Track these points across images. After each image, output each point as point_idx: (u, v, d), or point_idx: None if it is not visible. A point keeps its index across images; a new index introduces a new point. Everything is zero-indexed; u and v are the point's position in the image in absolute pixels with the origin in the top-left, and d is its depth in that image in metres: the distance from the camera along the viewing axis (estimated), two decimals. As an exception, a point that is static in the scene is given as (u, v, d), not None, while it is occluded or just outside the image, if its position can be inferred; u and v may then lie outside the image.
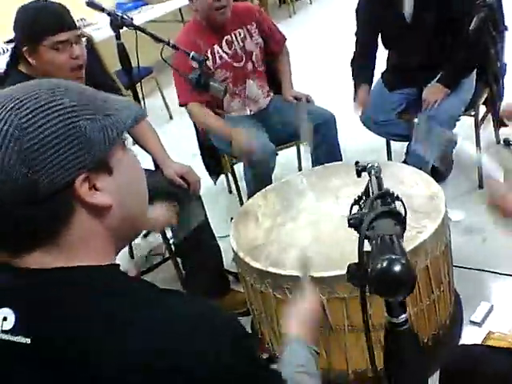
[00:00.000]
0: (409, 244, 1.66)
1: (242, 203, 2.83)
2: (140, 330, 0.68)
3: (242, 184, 2.77)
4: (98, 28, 4.47)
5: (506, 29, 2.75)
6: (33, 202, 0.70)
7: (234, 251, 1.91)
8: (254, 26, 2.66)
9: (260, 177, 2.58)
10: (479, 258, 2.26)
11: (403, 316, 0.66)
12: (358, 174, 1.08)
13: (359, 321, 1.73)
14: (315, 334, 1.25)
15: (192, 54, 2.06)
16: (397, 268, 0.56)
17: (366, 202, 0.94)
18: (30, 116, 0.70)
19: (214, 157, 2.96)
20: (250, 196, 2.67)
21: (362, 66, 2.76)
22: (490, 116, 2.98)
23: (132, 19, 2.09)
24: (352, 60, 2.78)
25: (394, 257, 0.56)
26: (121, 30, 2.10)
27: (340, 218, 1.94)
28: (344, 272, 1.61)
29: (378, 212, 0.60)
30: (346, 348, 1.78)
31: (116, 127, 0.76)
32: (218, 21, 2.52)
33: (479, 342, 1.92)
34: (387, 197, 0.74)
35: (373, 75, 2.78)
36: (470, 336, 1.98)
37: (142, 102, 2.34)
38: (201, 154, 3.01)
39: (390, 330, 0.72)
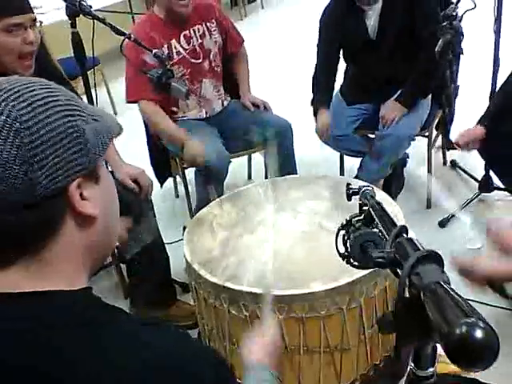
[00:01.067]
0: (370, 265, 1.63)
1: (190, 209, 2.73)
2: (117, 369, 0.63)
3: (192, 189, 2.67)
4: (43, 13, 4.22)
5: (461, 52, 2.81)
6: (27, 206, 0.63)
7: (187, 262, 1.81)
8: (214, 24, 2.57)
9: (211, 183, 2.50)
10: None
11: (431, 370, 0.60)
12: (349, 198, 1.02)
13: (314, 342, 1.68)
14: (276, 359, 1.21)
15: (155, 51, 1.95)
16: (479, 334, 0.48)
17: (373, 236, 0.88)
18: (30, 109, 0.63)
19: (163, 158, 2.83)
20: (199, 203, 2.59)
21: (322, 84, 2.72)
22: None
23: (91, 7, 1.95)
24: (314, 74, 2.74)
25: (471, 320, 0.48)
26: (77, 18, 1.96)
27: (299, 234, 1.89)
28: (304, 291, 1.62)
29: (419, 255, 0.53)
30: (300, 369, 1.72)
31: (107, 132, 0.72)
32: (179, 14, 2.41)
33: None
34: (403, 232, 0.68)
35: (332, 93, 2.76)
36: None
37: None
38: (149, 155, 2.88)
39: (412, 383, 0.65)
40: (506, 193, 2.68)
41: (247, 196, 2.14)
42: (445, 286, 0.52)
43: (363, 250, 0.93)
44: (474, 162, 2.98)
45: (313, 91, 2.72)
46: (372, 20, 2.52)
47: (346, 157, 2.97)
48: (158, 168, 2.87)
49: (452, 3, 2.61)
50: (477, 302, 2.09)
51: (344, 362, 1.75)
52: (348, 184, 1.01)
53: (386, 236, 0.74)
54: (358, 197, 1.02)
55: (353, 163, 2.94)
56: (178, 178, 3.10)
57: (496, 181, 2.71)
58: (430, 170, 2.75)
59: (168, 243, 2.33)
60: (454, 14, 2.10)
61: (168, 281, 2.25)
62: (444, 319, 0.49)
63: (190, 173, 2.67)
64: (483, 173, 2.77)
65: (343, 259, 0.99)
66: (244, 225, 1.98)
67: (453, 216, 2.62)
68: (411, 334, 0.56)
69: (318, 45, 2.70)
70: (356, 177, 2.73)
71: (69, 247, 0.69)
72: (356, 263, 0.97)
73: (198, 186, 2.54)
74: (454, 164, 3.08)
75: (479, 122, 2.22)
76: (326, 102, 2.68)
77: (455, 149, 2.97)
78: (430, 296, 0.51)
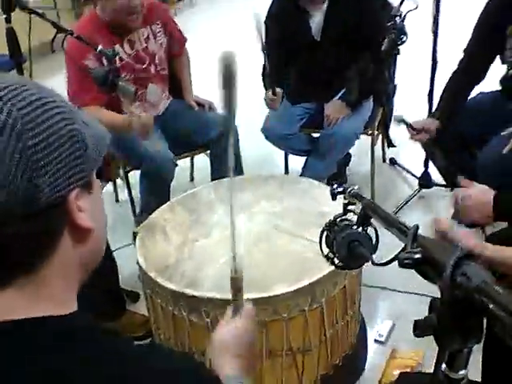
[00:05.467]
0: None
1: (134, 214, 2.63)
2: None
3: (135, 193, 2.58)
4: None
5: (398, 52, 2.88)
6: (27, 217, 0.58)
7: (141, 270, 1.73)
8: (159, 26, 2.47)
9: (157, 187, 2.42)
10: (377, 276, 2.31)
11: (463, 372, 0.58)
12: (333, 197, 1.00)
13: (277, 345, 1.65)
14: (250, 359, 1.13)
15: (100, 47, 1.85)
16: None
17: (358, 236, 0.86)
18: (30, 109, 0.58)
19: (103, 162, 2.71)
20: (144, 207, 2.50)
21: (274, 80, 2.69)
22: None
23: (28, 2, 1.83)
24: (263, 73, 2.70)
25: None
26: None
27: (256, 236, 1.86)
28: (267, 294, 1.58)
29: (460, 255, 0.51)
30: (261, 374, 1.69)
31: (102, 138, 0.68)
32: (127, 25, 2.30)
33: (384, 360, 1.95)
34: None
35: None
36: (375, 354, 2.00)
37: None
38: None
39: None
40: (445, 188, 2.78)
41: (198, 198, 2.09)
42: (491, 286, 0.50)
43: (350, 250, 0.91)
44: (412, 160, 3.07)
45: (265, 86, 2.68)
46: (316, 21, 2.53)
47: (289, 155, 2.97)
48: (98, 172, 2.74)
49: (389, 3, 2.70)
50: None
51: (306, 364, 1.73)
52: (332, 184, 0.99)
53: (392, 232, 0.73)
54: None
55: (297, 162, 2.94)
56: (119, 182, 2.99)
57: (435, 177, 2.80)
58: (373, 168, 2.80)
59: (113, 250, 2.23)
60: (398, 14, 2.14)
61: (117, 290, 2.15)
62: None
63: (132, 177, 2.59)
64: (421, 169, 2.86)
65: (327, 260, 0.97)
66: (198, 228, 1.92)
67: (396, 212, 2.69)
68: (454, 336, 0.54)
69: (264, 45, 2.67)
70: (301, 175, 2.73)
71: (65, 265, 0.65)
72: (340, 264, 0.95)
73: (143, 189, 2.45)
74: (393, 161, 3.16)
75: (433, 116, 2.29)
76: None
77: (395, 146, 3.06)
78: (491, 296, 0.49)
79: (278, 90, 2.51)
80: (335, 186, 0.98)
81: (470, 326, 0.53)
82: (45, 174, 0.59)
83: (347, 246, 0.90)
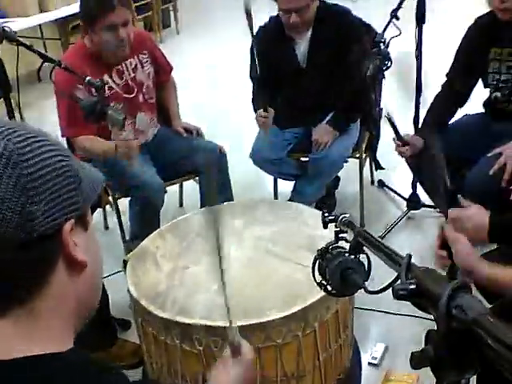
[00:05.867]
0: (322, 289, 1.63)
1: (124, 240, 2.62)
2: None
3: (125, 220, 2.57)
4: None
5: (383, 76, 2.93)
6: (22, 245, 0.59)
7: (132, 298, 1.72)
8: (146, 55, 2.50)
9: (147, 213, 2.42)
10: (369, 299, 2.30)
11: None
12: (325, 225, 1.01)
13: (271, 372, 1.64)
14: None
15: (88, 78, 1.86)
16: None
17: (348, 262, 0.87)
18: (25, 143, 0.61)
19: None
20: (134, 234, 2.49)
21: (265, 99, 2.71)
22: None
23: (16, 33, 1.84)
24: (252, 99, 2.74)
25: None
26: None
27: (247, 261, 1.86)
28: (260, 320, 1.58)
29: (453, 286, 0.52)
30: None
31: (96, 178, 0.72)
32: (115, 56, 2.33)
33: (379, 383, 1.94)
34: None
35: None
36: (369, 377, 2.00)
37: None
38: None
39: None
40: (433, 209, 2.81)
41: (188, 225, 2.09)
42: (491, 318, 0.51)
43: (343, 278, 0.92)
44: (400, 181, 3.10)
45: (255, 110, 2.71)
46: (302, 48, 2.58)
47: (278, 180, 2.98)
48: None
49: (373, 30, 2.75)
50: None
51: (300, 390, 1.72)
52: (323, 212, 1.00)
53: (384, 262, 0.74)
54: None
55: (286, 186, 2.96)
56: (108, 209, 2.98)
57: (423, 198, 2.83)
58: (361, 191, 2.82)
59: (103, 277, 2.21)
60: (382, 40, 2.18)
61: (108, 318, 2.13)
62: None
63: (121, 204, 2.58)
64: (409, 191, 2.89)
65: (320, 288, 0.98)
66: (188, 255, 1.92)
67: (384, 236, 2.70)
68: (451, 368, 0.55)
69: (250, 75, 2.71)
70: (290, 199, 2.75)
71: (60, 297, 0.65)
72: (334, 291, 0.96)
73: (132, 216, 2.44)
74: (381, 183, 3.19)
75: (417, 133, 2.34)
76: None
77: (383, 169, 3.09)
78: (487, 329, 0.50)
79: (269, 108, 2.54)
80: (326, 214, 0.98)
81: (467, 357, 0.53)
82: (39, 202, 0.61)
83: (340, 273, 0.90)
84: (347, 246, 0.97)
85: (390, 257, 0.74)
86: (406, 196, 2.92)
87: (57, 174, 0.64)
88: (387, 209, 3.01)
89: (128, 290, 1.75)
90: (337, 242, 0.96)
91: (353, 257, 0.93)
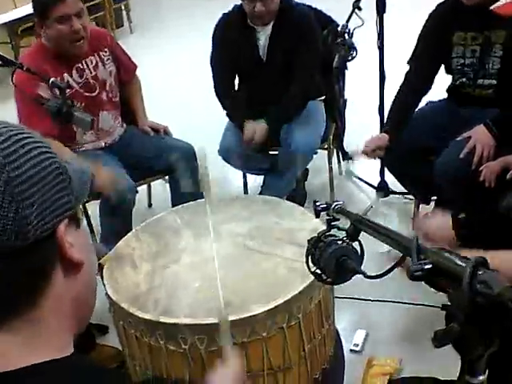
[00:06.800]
0: (304, 280, 1.64)
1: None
2: None
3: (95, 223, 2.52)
4: None
5: (346, 68, 2.96)
6: (19, 251, 0.57)
7: (112, 302, 1.69)
8: (107, 53, 2.45)
9: (119, 215, 2.38)
10: (344, 288, 2.33)
11: (481, 378, 0.59)
12: (317, 215, 1.01)
13: (258, 365, 1.64)
14: None
15: (52, 79, 1.81)
16: None
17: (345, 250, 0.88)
18: (9, 142, 0.57)
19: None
20: (106, 237, 2.44)
21: (231, 102, 2.72)
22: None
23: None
24: (219, 95, 2.73)
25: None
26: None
27: (226, 258, 1.85)
28: (245, 315, 1.57)
29: (475, 263, 0.52)
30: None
31: (84, 173, 0.68)
32: (72, 53, 2.27)
33: (362, 369, 1.97)
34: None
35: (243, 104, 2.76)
36: (352, 364, 2.02)
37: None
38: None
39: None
40: (401, 196, 2.86)
41: (164, 224, 2.06)
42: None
43: (339, 265, 0.92)
44: (368, 170, 3.15)
45: (226, 108, 2.70)
46: (262, 40, 2.57)
47: (248, 175, 2.98)
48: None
49: (332, 21, 2.78)
50: (408, 303, 2.20)
51: (287, 382, 1.72)
52: (315, 201, 1.00)
53: (389, 245, 0.74)
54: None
55: (255, 181, 2.96)
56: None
57: (391, 185, 2.88)
58: (331, 181, 2.84)
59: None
60: (346, 31, 2.20)
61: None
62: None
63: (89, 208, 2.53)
64: (377, 179, 2.93)
65: (315, 277, 0.98)
66: (167, 254, 1.89)
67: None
68: (478, 343, 0.55)
69: (211, 63, 2.70)
70: (260, 194, 2.74)
71: (58, 301, 0.63)
72: (329, 279, 0.96)
73: (104, 219, 2.40)
74: (349, 173, 3.22)
75: (384, 131, 2.35)
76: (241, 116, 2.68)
77: (350, 159, 3.12)
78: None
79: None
80: (318, 203, 0.98)
81: (492, 331, 0.54)
82: (31, 205, 0.58)
83: (335, 261, 0.90)
84: (339, 233, 0.98)
85: (395, 240, 0.74)
86: (375, 184, 2.96)
87: (46, 173, 0.61)
88: (357, 197, 3.05)
89: (106, 294, 1.72)
90: (329, 231, 0.96)
91: (346, 244, 0.93)
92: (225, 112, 2.73)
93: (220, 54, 2.62)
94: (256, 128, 2.57)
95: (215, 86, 2.71)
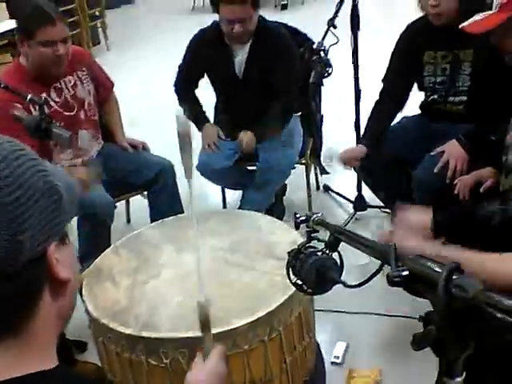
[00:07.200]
0: (285, 292, 1.65)
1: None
2: None
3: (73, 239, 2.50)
4: None
5: (322, 84, 3.01)
6: (11, 275, 0.57)
7: (91, 318, 1.68)
8: (85, 72, 2.46)
9: (98, 231, 2.37)
10: (323, 300, 2.35)
11: (459, 380, 0.62)
12: (297, 227, 1.03)
13: (239, 378, 1.65)
14: None
15: (30, 96, 1.81)
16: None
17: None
18: (4, 164, 0.57)
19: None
20: (84, 253, 2.42)
21: (192, 108, 2.75)
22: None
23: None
24: (179, 96, 2.79)
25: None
26: None
27: (206, 272, 1.84)
28: (226, 328, 1.58)
29: (450, 268, 0.55)
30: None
31: (71, 187, 0.68)
32: (52, 73, 2.27)
33: (343, 381, 1.98)
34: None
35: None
36: (333, 377, 2.03)
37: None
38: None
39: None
40: (378, 210, 2.90)
41: (143, 239, 2.06)
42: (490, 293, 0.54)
43: (319, 276, 0.94)
44: (345, 185, 3.19)
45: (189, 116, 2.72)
46: (239, 58, 2.61)
47: (226, 190, 3.00)
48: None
49: (308, 39, 2.83)
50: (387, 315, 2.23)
51: (268, 395, 1.73)
52: (295, 213, 1.02)
53: (367, 254, 0.76)
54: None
55: (234, 196, 2.98)
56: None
57: (368, 199, 2.92)
58: (309, 196, 2.87)
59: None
60: (322, 48, 2.25)
61: (64, 341, 2.06)
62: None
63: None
64: (354, 193, 2.97)
65: (296, 287, 1.00)
66: (147, 269, 1.89)
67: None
68: (454, 345, 0.58)
69: (179, 67, 2.75)
70: (239, 208, 2.76)
71: (47, 320, 0.64)
72: (310, 290, 0.98)
73: (82, 235, 2.38)
74: (326, 188, 3.26)
75: (360, 143, 2.40)
76: (204, 118, 2.73)
77: (328, 173, 3.17)
78: (490, 303, 0.53)
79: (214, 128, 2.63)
80: (298, 215, 1.01)
81: (468, 334, 0.57)
82: (27, 230, 0.58)
83: (316, 271, 0.93)
84: (318, 245, 1.00)
85: (374, 248, 0.76)
86: (352, 198, 3.00)
87: (40, 195, 0.60)
88: (334, 212, 3.08)
89: (86, 310, 1.71)
90: (309, 242, 0.98)
91: (325, 255, 0.96)
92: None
93: (190, 62, 2.67)
94: (243, 137, 2.60)
95: (175, 86, 2.78)
